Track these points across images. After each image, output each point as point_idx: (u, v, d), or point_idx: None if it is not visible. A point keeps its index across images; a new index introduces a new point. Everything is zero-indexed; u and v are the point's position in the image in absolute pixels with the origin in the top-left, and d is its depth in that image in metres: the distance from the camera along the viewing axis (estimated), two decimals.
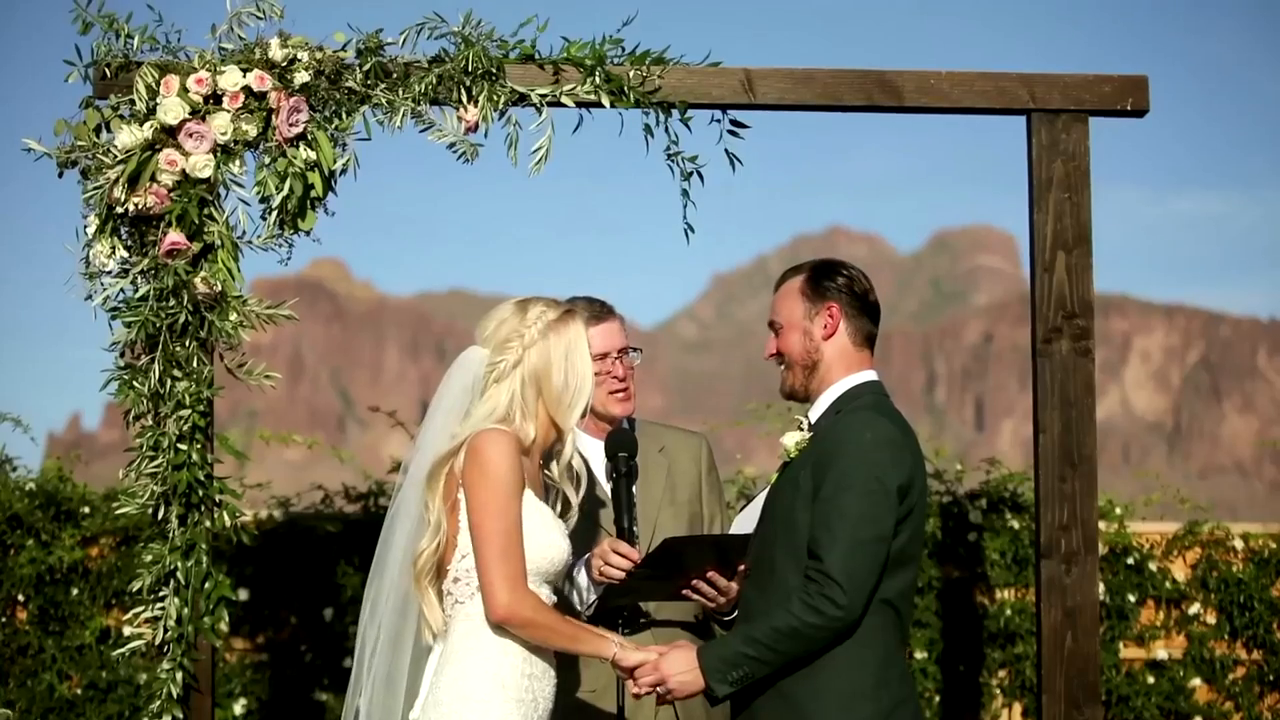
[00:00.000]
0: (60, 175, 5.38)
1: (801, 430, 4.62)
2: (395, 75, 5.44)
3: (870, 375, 4.67)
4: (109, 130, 5.36)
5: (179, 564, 5.32)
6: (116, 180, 5.27)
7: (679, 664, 4.45)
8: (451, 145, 5.47)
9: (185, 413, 5.30)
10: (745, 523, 4.85)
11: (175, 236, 5.27)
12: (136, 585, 5.35)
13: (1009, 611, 8.23)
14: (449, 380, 4.57)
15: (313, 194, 5.38)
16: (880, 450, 4.44)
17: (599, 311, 5.17)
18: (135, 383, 5.32)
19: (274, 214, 5.38)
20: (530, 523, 4.41)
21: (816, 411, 4.64)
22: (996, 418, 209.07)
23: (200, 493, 5.34)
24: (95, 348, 5.42)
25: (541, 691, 4.44)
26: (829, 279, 4.67)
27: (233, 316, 5.34)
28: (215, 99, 5.34)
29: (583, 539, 4.85)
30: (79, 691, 8.00)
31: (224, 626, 5.41)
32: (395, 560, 4.51)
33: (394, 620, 4.49)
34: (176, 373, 5.31)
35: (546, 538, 4.45)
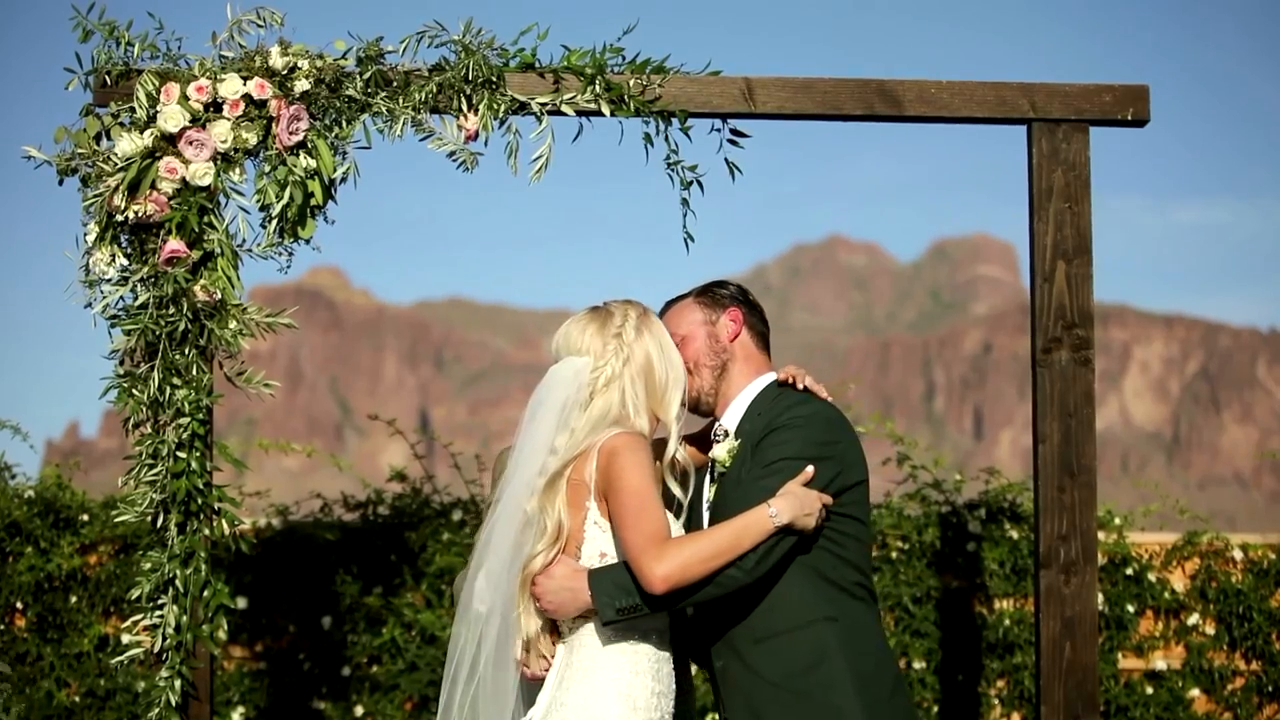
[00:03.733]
0: (60, 183, 5.38)
1: (727, 439, 4.64)
2: (395, 83, 5.44)
3: (774, 376, 4.76)
4: (109, 138, 5.36)
5: (178, 572, 5.32)
6: (116, 188, 5.27)
7: (557, 577, 4.40)
8: (451, 154, 5.47)
9: (184, 420, 5.30)
10: None
11: (175, 244, 5.27)
12: (135, 593, 5.35)
13: (1008, 621, 8.22)
14: (546, 395, 4.53)
15: (313, 202, 5.39)
16: (821, 426, 4.52)
17: None
18: (134, 390, 5.32)
19: (274, 222, 5.38)
20: None
21: (734, 418, 4.68)
22: (995, 427, 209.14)
23: (199, 501, 5.34)
24: (94, 355, 5.42)
25: (668, 709, 4.44)
26: (720, 289, 4.83)
27: (232, 324, 5.34)
28: (216, 107, 5.35)
29: None
30: (77, 699, 7.99)
31: (222, 634, 5.40)
32: (500, 566, 4.47)
33: (497, 632, 4.46)
34: (176, 380, 5.31)
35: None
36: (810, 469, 4.45)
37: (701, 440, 4.87)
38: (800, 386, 4.66)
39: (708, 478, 4.72)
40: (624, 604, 4.33)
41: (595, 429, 4.43)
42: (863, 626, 4.51)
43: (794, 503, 4.38)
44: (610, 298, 4.73)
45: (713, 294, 4.80)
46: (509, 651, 4.46)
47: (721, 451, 4.62)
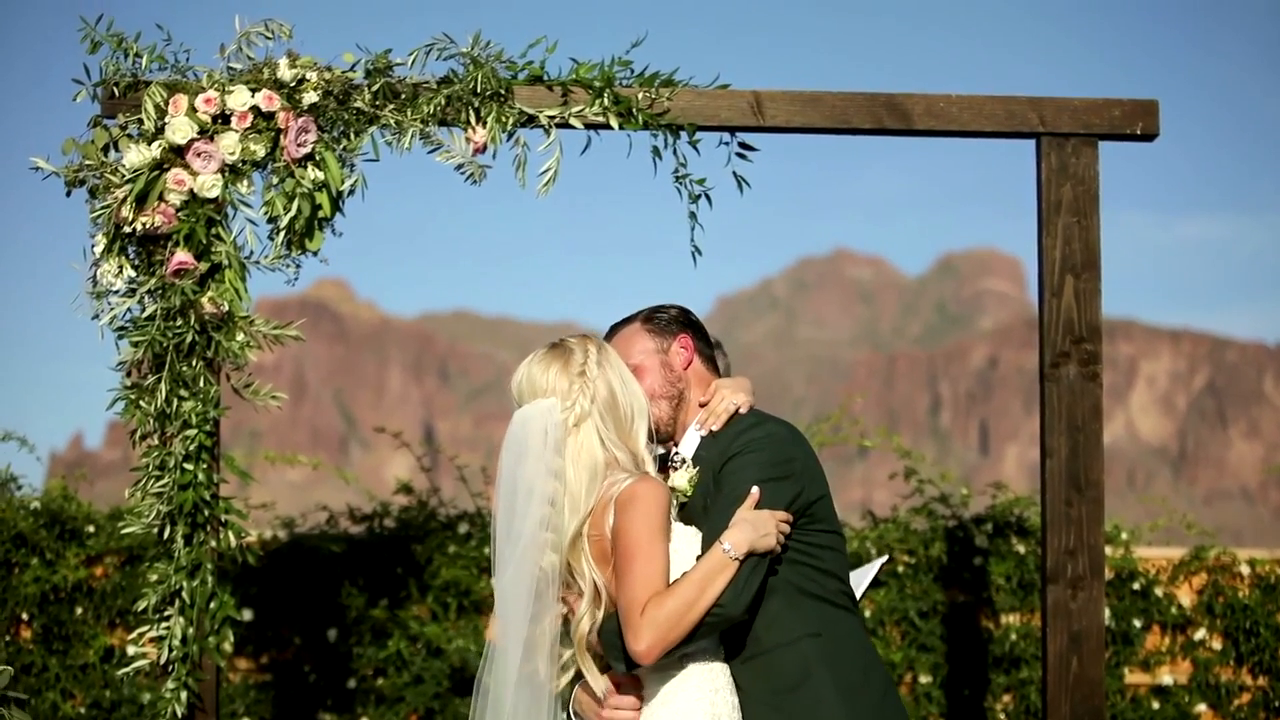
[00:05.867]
0: (68, 194, 5.39)
1: (685, 467, 4.61)
2: (404, 96, 5.44)
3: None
4: (117, 149, 5.37)
5: (184, 583, 5.32)
6: (124, 199, 5.27)
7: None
8: (459, 166, 5.47)
9: (191, 432, 5.30)
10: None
11: (182, 256, 5.28)
12: (141, 604, 5.35)
13: (1014, 636, 8.21)
14: (524, 440, 4.45)
15: (320, 214, 5.39)
16: (776, 446, 4.49)
17: None
18: (141, 402, 5.33)
19: (281, 234, 5.39)
20: (682, 546, 4.41)
21: (690, 445, 4.65)
22: (1001, 442, 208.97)
23: (206, 512, 5.34)
24: (96, 366, 5.42)
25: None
26: (665, 314, 4.76)
27: (239, 336, 5.34)
28: (223, 119, 5.35)
29: None
30: (82, 711, 7.99)
31: (228, 646, 5.40)
32: (517, 621, 4.42)
33: (525, 684, 4.40)
34: (183, 392, 5.31)
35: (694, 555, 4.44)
36: (755, 492, 4.42)
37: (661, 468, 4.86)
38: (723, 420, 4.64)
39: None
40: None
41: (594, 481, 4.40)
42: (846, 636, 4.50)
43: (746, 530, 4.35)
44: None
45: (659, 320, 4.74)
46: (543, 704, 4.44)
47: (682, 480, 4.59)
